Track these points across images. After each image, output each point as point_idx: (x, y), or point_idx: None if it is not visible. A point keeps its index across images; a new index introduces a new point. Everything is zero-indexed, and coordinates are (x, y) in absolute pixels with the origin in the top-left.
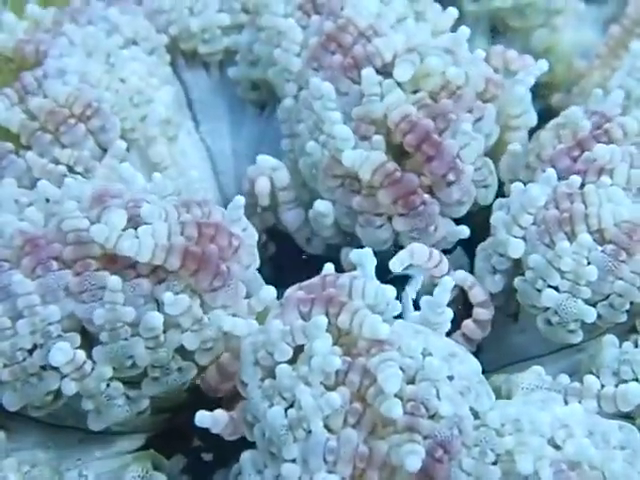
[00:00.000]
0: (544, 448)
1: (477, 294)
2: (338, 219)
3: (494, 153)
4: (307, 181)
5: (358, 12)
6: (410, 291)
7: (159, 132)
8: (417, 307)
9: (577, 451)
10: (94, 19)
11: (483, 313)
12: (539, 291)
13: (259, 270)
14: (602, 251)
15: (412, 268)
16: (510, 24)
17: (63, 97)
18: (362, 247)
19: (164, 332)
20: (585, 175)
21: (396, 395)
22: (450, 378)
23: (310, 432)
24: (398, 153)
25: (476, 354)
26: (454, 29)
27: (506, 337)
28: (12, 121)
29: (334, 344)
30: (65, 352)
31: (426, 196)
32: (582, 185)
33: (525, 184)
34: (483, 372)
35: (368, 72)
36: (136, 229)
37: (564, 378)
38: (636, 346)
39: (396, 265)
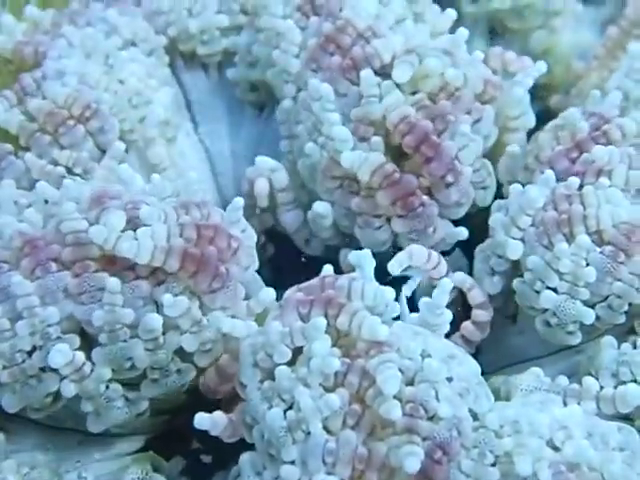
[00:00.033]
0: (543, 449)
1: (476, 296)
2: (337, 220)
3: (493, 154)
4: (306, 182)
5: (357, 13)
6: (406, 291)
7: (158, 133)
8: (415, 308)
9: (576, 452)
10: (93, 20)
11: (482, 315)
12: (538, 292)
13: (258, 271)
14: (601, 252)
15: (411, 269)
16: (508, 25)
17: (62, 98)
18: (361, 248)
19: (163, 334)
20: (583, 176)
21: (395, 397)
22: (449, 380)
23: (309, 434)
24: (397, 154)
25: (475, 355)
26: (453, 30)
27: (505, 339)
28: (11, 122)
29: (333, 346)
30: (64, 354)
31: (425, 197)
32: (581, 186)
33: (524, 185)
34: (482, 373)
35: (367, 73)
36: (135, 231)
37: (563, 379)
38: (635, 347)
39: (395, 267)
